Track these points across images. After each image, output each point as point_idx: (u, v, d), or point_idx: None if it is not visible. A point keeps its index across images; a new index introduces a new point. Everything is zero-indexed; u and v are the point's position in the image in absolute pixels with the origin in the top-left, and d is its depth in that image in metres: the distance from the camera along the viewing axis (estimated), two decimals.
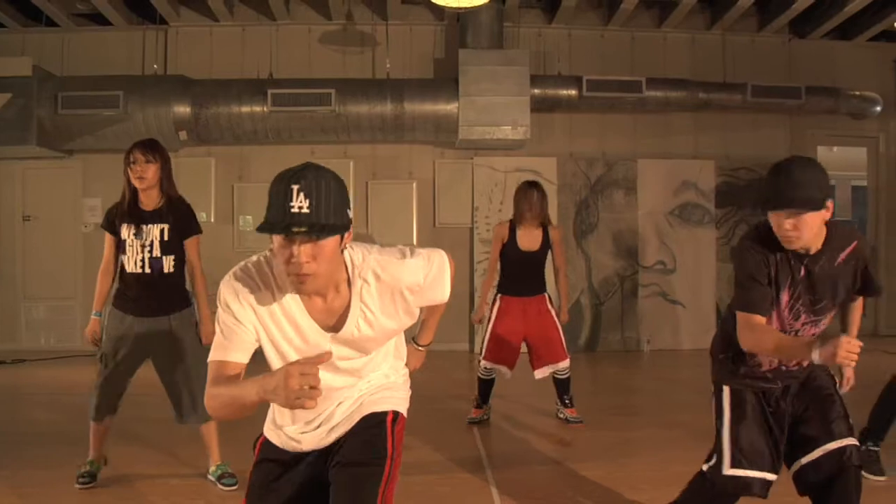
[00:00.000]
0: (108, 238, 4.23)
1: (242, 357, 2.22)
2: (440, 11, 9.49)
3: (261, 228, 2.02)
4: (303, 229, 1.98)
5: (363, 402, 2.42)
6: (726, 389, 3.05)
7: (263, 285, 2.20)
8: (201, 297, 4.24)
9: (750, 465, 2.90)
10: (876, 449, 4.43)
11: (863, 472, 4.26)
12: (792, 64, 10.38)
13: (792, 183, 2.70)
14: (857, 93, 10.26)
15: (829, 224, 2.81)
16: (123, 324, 4.17)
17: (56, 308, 9.73)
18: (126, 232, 4.13)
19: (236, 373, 2.20)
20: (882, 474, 4.35)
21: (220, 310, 2.22)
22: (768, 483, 2.92)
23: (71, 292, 9.67)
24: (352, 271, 2.24)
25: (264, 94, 8.99)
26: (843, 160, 12.43)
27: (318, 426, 2.40)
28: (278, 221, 2.00)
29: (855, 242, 2.88)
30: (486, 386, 5.88)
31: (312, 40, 9.86)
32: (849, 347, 2.47)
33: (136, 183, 4.09)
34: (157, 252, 4.13)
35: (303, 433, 2.40)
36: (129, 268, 4.15)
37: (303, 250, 2.02)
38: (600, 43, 10.08)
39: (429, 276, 2.37)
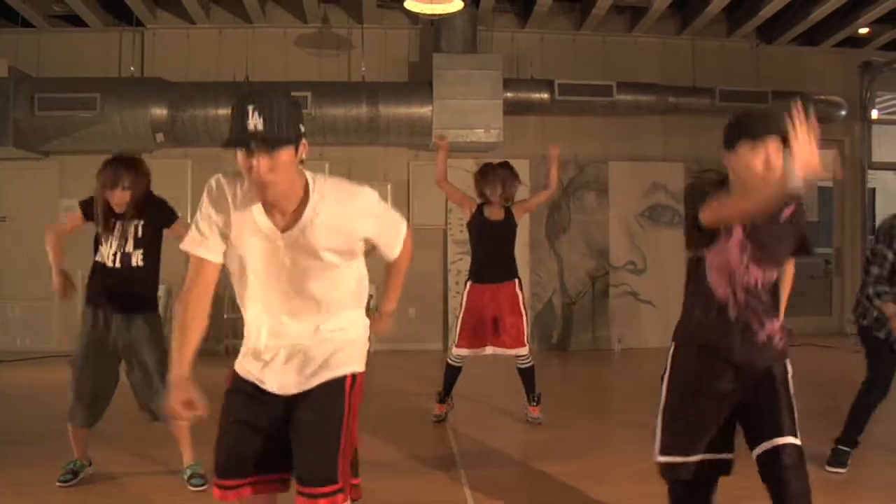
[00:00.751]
0: (75, 215, 4.42)
1: (217, 256, 2.51)
2: (415, 16, 9.59)
3: (224, 145, 2.29)
4: (258, 143, 2.25)
5: (320, 365, 2.56)
6: (669, 365, 3.05)
7: (235, 194, 2.45)
8: None
9: (679, 451, 2.94)
10: (847, 450, 4.60)
11: (827, 466, 4.47)
12: (760, 69, 10.61)
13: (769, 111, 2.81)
14: (823, 97, 10.50)
15: None
16: (97, 323, 4.30)
17: (31, 309, 9.76)
18: (101, 227, 4.31)
19: (214, 277, 2.53)
20: (843, 467, 4.53)
21: (199, 209, 2.50)
22: (708, 463, 2.94)
23: (46, 293, 9.62)
24: (312, 186, 2.44)
25: None
26: None
27: (274, 360, 2.57)
28: (237, 138, 2.26)
29: (794, 204, 2.88)
30: (452, 374, 5.90)
31: (288, 43, 9.96)
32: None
33: (113, 206, 4.24)
34: (129, 248, 4.29)
35: (264, 369, 2.58)
36: (105, 261, 4.30)
37: (261, 162, 2.26)
38: (572, 47, 10.27)
39: (382, 213, 2.62)
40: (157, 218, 4.35)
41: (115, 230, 4.27)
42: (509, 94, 9.52)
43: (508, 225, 5.86)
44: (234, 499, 2.52)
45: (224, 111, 9.10)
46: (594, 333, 10.11)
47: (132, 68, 9.67)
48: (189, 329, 2.49)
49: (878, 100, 11.61)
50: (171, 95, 9.12)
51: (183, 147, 9.59)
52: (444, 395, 5.98)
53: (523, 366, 5.88)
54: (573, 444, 5.32)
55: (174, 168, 9.63)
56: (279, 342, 2.57)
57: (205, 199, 2.49)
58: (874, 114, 11.42)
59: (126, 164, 4.27)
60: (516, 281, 5.90)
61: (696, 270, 2.98)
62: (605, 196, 10.14)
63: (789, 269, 3.17)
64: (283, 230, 2.45)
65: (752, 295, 2.89)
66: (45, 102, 8.86)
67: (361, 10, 9.63)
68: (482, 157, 9.71)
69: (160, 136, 9.18)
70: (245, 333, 2.62)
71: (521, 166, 9.83)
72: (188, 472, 4.38)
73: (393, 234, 2.69)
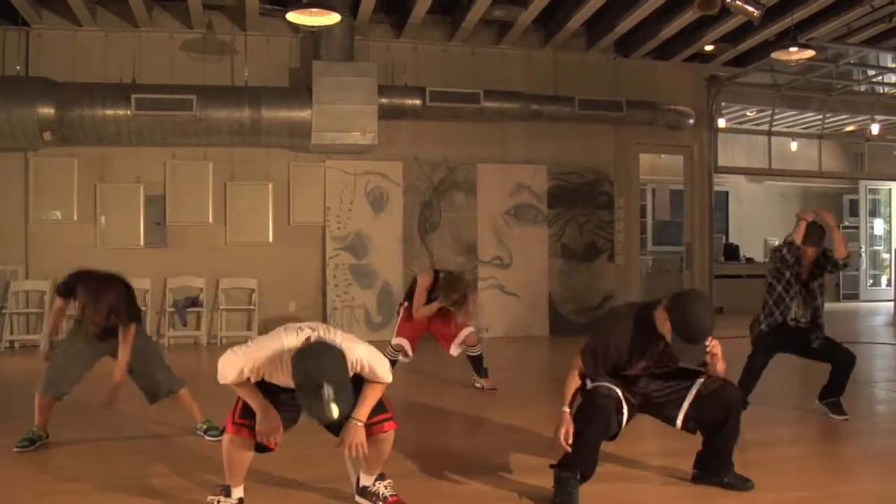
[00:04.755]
0: (59, 300, 4.96)
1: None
2: (296, 25, 10.12)
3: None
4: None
5: None
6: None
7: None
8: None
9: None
10: None
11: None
12: (617, 80, 11.55)
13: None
14: (673, 107, 11.52)
15: None
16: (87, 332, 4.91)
17: None
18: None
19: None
20: None
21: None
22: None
23: None
24: None
25: (128, 98, 9.45)
26: (667, 166, 13.76)
27: None
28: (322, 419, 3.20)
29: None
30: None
31: (174, 47, 10.33)
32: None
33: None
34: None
35: None
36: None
37: None
38: (444, 57, 11.00)
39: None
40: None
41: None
42: (384, 100, 10.18)
43: None
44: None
45: (111, 112, 9.46)
46: None
47: (18, 68, 9.88)
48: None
49: (724, 111, 12.73)
50: (58, 95, 9.37)
51: (70, 146, 9.85)
52: None
53: (473, 354, 6.80)
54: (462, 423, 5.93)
55: (60, 166, 9.92)
56: None
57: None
58: (721, 123, 12.52)
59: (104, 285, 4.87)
60: None
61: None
62: (474, 196, 10.90)
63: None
64: None
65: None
66: None
67: (245, 17, 10.08)
68: (358, 158, 10.40)
69: (48, 135, 9.42)
70: None
71: (395, 168, 10.60)
72: (203, 426, 5.04)
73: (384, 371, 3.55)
